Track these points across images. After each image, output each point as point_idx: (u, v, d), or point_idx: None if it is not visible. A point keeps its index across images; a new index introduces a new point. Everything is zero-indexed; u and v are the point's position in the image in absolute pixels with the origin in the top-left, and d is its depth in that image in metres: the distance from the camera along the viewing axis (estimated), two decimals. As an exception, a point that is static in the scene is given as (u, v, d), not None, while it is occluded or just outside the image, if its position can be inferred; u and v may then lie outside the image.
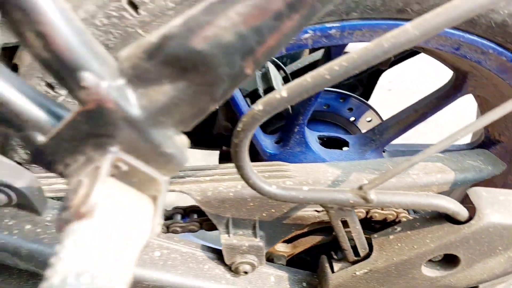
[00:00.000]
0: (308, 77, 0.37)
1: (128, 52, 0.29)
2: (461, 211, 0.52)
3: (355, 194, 0.50)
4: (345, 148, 0.93)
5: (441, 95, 0.83)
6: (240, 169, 0.46)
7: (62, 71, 0.27)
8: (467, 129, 0.51)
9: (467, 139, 0.98)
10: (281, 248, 0.73)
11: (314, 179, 0.60)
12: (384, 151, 0.94)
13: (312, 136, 0.89)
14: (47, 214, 0.53)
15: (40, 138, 0.31)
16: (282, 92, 0.39)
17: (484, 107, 0.86)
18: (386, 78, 2.18)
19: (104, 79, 0.28)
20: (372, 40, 0.58)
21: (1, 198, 0.48)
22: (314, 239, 0.71)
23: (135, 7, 0.47)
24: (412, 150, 0.99)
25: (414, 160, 0.50)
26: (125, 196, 0.31)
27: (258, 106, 0.40)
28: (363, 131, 1.03)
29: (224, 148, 1.06)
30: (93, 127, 0.30)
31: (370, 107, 1.02)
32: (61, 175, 0.33)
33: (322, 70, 0.37)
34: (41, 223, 0.52)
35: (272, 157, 0.86)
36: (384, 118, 1.03)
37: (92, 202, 0.27)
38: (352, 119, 1.02)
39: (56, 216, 0.29)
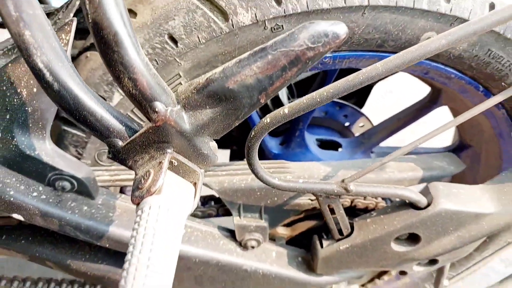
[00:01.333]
0: (304, 99, 0.52)
1: (183, 88, 0.44)
2: (421, 200, 0.67)
3: (338, 185, 0.65)
4: (339, 150, 1.08)
5: (420, 107, 0.98)
6: (251, 166, 0.62)
7: (142, 101, 0.43)
8: (432, 134, 0.65)
9: (446, 143, 1.13)
10: (282, 230, 0.88)
11: (309, 174, 0.76)
12: (372, 152, 1.09)
13: (310, 139, 1.04)
14: (98, 198, 0.69)
15: (120, 143, 0.46)
16: (285, 110, 0.53)
17: (457, 114, 1.01)
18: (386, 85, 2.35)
19: (168, 106, 0.43)
20: (358, 66, 0.73)
21: (67, 185, 0.64)
22: (309, 224, 0.87)
23: (175, 41, 0.62)
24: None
25: (385, 160, 0.65)
26: (177, 182, 0.46)
27: (267, 119, 0.55)
28: (356, 135, 1.19)
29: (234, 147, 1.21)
30: (158, 137, 0.45)
31: (363, 114, 1.17)
32: (130, 168, 0.48)
33: (314, 94, 0.51)
34: (94, 206, 0.67)
35: (276, 156, 1.02)
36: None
37: (160, 184, 0.43)
38: (347, 124, 1.17)
39: (131, 194, 0.44)
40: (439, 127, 0.65)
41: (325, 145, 1.08)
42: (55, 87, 0.42)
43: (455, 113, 0.98)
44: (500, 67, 0.70)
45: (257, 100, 0.44)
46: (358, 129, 1.17)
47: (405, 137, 1.08)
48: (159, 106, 0.43)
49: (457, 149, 1.04)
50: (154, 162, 0.46)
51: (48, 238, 0.75)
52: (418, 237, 0.71)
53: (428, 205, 0.68)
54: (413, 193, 0.67)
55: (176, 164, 0.47)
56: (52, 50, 0.42)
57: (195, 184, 0.48)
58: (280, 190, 0.74)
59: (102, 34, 0.40)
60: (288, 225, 0.88)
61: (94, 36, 0.40)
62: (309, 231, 0.87)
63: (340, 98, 1.13)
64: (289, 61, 0.41)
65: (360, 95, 1.21)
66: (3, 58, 0.68)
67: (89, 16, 0.40)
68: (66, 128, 0.75)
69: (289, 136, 1.01)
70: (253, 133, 0.56)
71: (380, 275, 1.04)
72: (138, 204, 0.43)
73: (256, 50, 0.42)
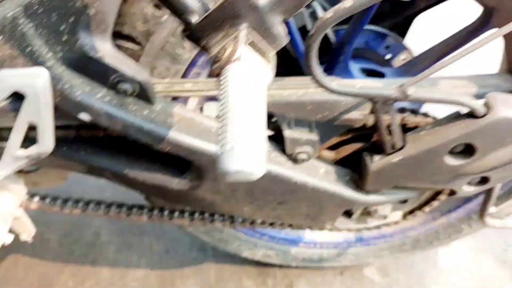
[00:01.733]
0: None
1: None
2: (479, 108, 0.66)
3: (396, 90, 0.65)
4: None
5: (470, 30, 0.95)
6: (309, 67, 0.61)
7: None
8: (480, 43, 0.63)
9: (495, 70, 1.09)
10: (327, 153, 0.89)
11: (361, 88, 0.75)
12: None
13: (354, 66, 1.03)
14: (157, 105, 0.70)
15: (195, 19, 0.47)
16: (348, 3, 0.53)
17: (507, 39, 0.97)
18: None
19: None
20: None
21: (128, 88, 0.66)
22: (355, 146, 0.87)
23: None
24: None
25: (444, 63, 0.64)
26: (253, 56, 0.47)
27: (328, 13, 0.54)
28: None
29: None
30: (233, 10, 0.45)
31: (406, 47, 1.14)
32: (203, 48, 0.49)
33: None
34: (154, 111, 0.69)
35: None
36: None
37: (239, 53, 0.43)
38: (388, 57, 1.14)
39: (210, 68, 0.45)
40: (488, 36, 0.62)
41: (369, 74, 1.07)
42: None
43: (508, 36, 0.95)
44: None
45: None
46: (400, 62, 1.15)
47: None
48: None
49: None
50: (229, 39, 0.47)
51: (106, 150, 0.77)
52: (473, 150, 0.71)
53: (486, 114, 0.67)
54: (472, 100, 0.66)
55: (250, 41, 0.47)
56: None
57: (268, 61, 0.49)
58: (333, 101, 0.73)
59: None
60: (333, 148, 0.89)
61: None
62: (354, 153, 0.88)
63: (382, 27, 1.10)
64: None
65: (401, 28, 1.18)
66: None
67: None
68: (119, 42, 0.76)
69: (332, 63, 1.00)
70: (313, 30, 0.56)
71: (421, 206, 1.05)
72: (218, 74, 0.44)
73: None
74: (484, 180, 0.79)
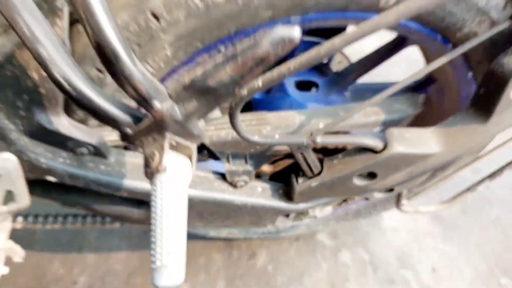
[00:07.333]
0: (275, 71, 0.61)
1: (173, 87, 0.55)
2: (378, 145, 0.82)
3: (308, 138, 0.79)
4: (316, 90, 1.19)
5: (392, 46, 1.07)
6: (234, 126, 0.74)
7: (143, 102, 0.54)
8: (404, 82, 0.75)
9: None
10: (266, 168, 1.05)
11: (286, 124, 0.89)
12: (347, 90, 1.21)
13: (290, 82, 1.15)
14: (111, 157, 0.82)
15: (129, 131, 0.59)
16: (259, 82, 0.64)
17: (425, 53, 1.09)
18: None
19: (163, 102, 0.55)
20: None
21: (84, 150, 0.78)
22: (288, 162, 1.02)
23: (156, 18, 0.69)
24: (371, 88, 1.25)
25: (349, 114, 0.77)
26: (176, 158, 0.60)
27: (244, 91, 0.66)
28: (334, 70, 1.28)
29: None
30: (158, 126, 0.57)
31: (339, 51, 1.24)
32: (138, 146, 0.62)
33: (288, 64, 0.60)
34: (109, 164, 0.81)
35: (258, 102, 1.13)
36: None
37: (164, 164, 0.56)
38: (325, 61, 1.26)
39: (144, 170, 0.58)
40: (405, 78, 0.74)
41: (304, 84, 1.19)
42: (62, 82, 0.52)
43: (424, 50, 1.07)
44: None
45: (233, 91, 0.56)
46: (336, 65, 1.26)
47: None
48: (156, 104, 0.54)
49: (425, 83, 1.14)
50: (157, 144, 0.59)
51: (75, 190, 0.91)
52: (375, 174, 0.88)
53: (384, 148, 0.83)
54: (371, 140, 0.81)
55: (174, 144, 0.60)
56: (51, 43, 0.49)
57: (190, 156, 0.62)
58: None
59: (105, 53, 0.49)
60: (271, 163, 1.04)
61: (98, 55, 0.50)
62: (288, 167, 1.04)
63: (314, 35, 1.20)
64: (255, 63, 0.52)
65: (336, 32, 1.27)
66: (4, 36, 0.75)
67: (93, 40, 0.49)
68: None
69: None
70: (233, 104, 0.68)
71: (346, 199, 1.23)
72: (151, 178, 0.57)
73: (229, 56, 0.52)
74: (390, 190, 0.97)
